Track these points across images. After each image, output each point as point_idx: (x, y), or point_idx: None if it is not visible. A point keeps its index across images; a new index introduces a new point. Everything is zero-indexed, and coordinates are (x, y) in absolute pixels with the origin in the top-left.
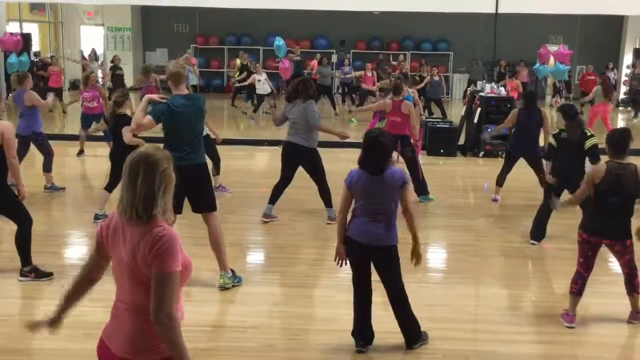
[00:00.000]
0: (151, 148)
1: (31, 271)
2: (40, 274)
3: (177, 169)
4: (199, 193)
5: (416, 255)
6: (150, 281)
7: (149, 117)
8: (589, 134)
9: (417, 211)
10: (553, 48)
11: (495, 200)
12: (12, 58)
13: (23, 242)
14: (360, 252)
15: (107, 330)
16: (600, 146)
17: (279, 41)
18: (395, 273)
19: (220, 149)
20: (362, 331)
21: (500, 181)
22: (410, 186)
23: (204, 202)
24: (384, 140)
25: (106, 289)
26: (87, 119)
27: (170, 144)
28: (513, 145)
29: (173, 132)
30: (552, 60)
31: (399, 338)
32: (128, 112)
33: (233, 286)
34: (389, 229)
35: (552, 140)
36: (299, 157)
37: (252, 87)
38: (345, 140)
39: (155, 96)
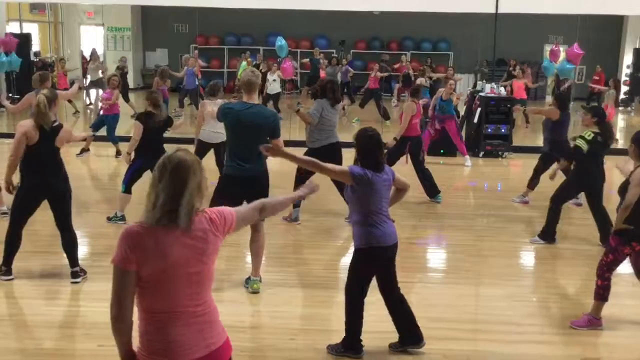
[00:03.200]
0: (184, 153)
1: (81, 270)
2: (84, 272)
3: (231, 177)
4: (248, 200)
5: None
6: (212, 268)
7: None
8: (587, 136)
9: (412, 211)
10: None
11: (525, 202)
12: (2, 57)
13: (74, 247)
14: (388, 256)
15: (192, 348)
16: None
17: (280, 41)
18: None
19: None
20: (359, 338)
21: (532, 184)
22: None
23: None
24: (380, 138)
25: (106, 289)
26: (101, 120)
27: (228, 151)
28: (545, 146)
29: (228, 136)
30: (562, 57)
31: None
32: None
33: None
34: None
35: (583, 144)
36: (335, 153)
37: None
38: (348, 141)
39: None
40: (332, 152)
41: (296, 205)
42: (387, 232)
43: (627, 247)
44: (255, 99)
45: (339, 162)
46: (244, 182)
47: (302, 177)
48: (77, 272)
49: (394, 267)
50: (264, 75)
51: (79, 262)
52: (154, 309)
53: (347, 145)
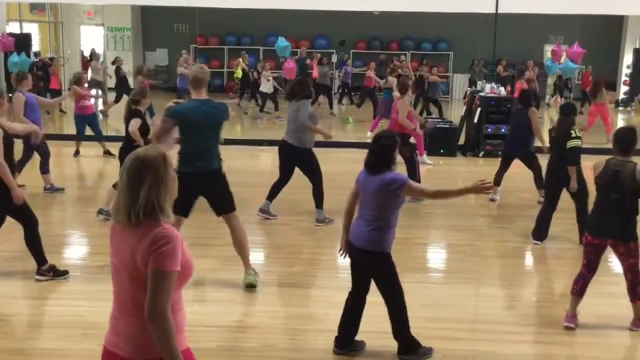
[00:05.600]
0: (149, 148)
1: (49, 270)
2: (58, 273)
3: (187, 175)
4: (215, 197)
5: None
6: (139, 281)
7: (162, 118)
8: (573, 135)
9: (412, 211)
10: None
11: (493, 200)
12: (14, 57)
13: (33, 243)
14: (353, 254)
15: (107, 336)
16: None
17: (282, 42)
18: (383, 281)
19: (220, 149)
20: (342, 339)
21: (496, 181)
22: (410, 184)
23: (221, 204)
24: (384, 143)
25: (105, 289)
26: (82, 120)
27: (182, 150)
28: (505, 145)
29: (182, 136)
30: (564, 57)
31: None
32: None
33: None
34: (378, 234)
35: (578, 143)
36: (292, 156)
37: (257, 86)
38: (345, 141)
39: (171, 103)
40: (280, 149)
41: (268, 198)
42: (353, 228)
43: (583, 237)
44: (205, 95)
45: (283, 163)
46: (200, 179)
47: (277, 184)
48: (42, 271)
49: (369, 274)
50: (259, 74)
51: (69, 261)
52: None
53: (342, 145)
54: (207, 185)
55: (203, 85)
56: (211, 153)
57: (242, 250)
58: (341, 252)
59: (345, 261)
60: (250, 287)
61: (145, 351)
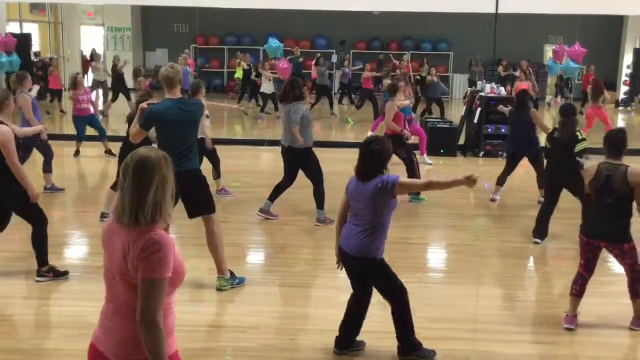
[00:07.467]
0: (149, 150)
1: (49, 271)
2: (58, 273)
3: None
4: (191, 198)
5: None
6: (129, 280)
7: (137, 127)
8: (579, 137)
9: (412, 211)
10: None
11: (493, 200)
12: (3, 57)
13: (39, 242)
14: (344, 258)
15: (96, 333)
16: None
17: (274, 42)
18: (382, 285)
19: (221, 149)
20: (342, 339)
21: (500, 181)
22: (401, 180)
23: (198, 206)
24: (375, 148)
25: (104, 289)
26: (81, 121)
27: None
28: (507, 145)
29: (160, 136)
30: (565, 57)
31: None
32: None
33: (232, 287)
34: (368, 240)
35: (584, 144)
36: (293, 158)
37: (257, 87)
38: (344, 141)
39: (144, 104)
40: (281, 151)
41: (270, 198)
42: (343, 233)
43: (579, 239)
44: (178, 94)
45: (285, 165)
46: (180, 180)
47: (280, 185)
48: (42, 272)
49: (361, 276)
50: (258, 75)
51: (69, 261)
52: None
53: (342, 145)
54: (186, 187)
55: (175, 85)
56: (190, 153)
57: (213, 253)
58: (338, 266)
59: None
60: (219, 290)
61: (133, 352)
